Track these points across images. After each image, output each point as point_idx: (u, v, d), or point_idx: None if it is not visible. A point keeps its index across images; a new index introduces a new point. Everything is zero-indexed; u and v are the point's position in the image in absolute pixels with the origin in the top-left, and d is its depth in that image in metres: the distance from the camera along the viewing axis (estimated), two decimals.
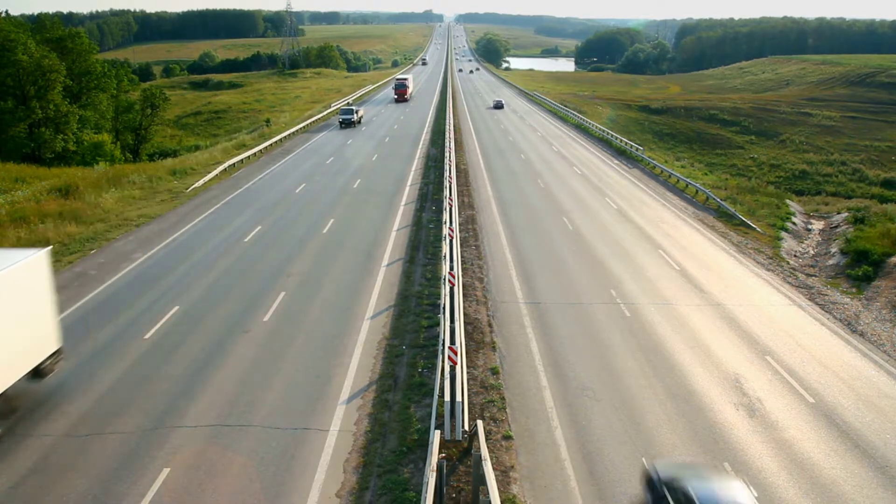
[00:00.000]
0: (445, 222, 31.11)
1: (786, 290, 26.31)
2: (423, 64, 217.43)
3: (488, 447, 14.87)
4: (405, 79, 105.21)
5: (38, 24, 78.89)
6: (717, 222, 36.19)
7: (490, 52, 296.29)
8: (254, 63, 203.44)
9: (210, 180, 43.93)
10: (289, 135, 64.27)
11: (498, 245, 31.01)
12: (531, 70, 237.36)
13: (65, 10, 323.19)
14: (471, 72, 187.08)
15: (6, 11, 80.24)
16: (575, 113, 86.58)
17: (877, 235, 31.12)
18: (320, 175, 46.24)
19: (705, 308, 24.03)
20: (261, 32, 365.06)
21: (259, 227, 32.92)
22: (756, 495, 13.08)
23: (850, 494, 14.29)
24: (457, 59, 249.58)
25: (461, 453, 15.20)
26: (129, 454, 14.92)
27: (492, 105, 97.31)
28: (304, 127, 70.37)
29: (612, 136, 66.01)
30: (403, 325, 21.93)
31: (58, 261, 27.53)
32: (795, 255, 31.77)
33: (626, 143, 60.70)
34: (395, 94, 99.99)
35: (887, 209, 38.14)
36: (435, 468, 13.02)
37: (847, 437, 16.31)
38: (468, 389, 17.58)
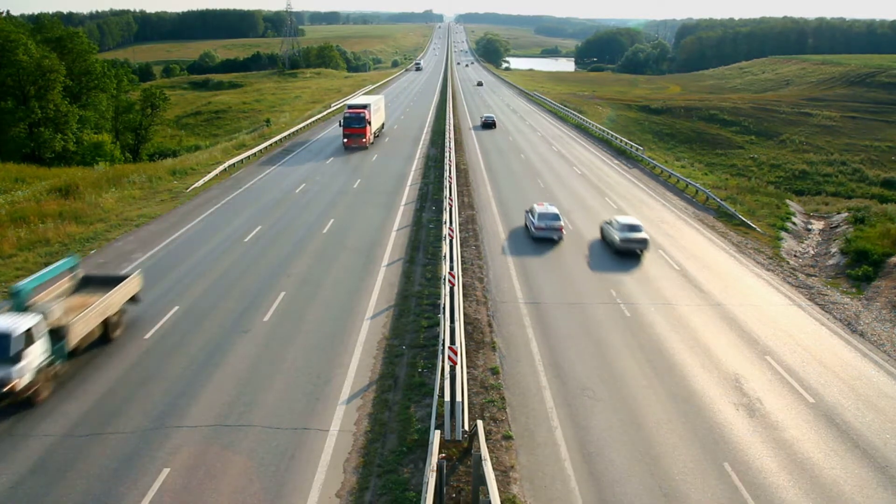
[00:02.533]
0: (445, 222, 31.11)
1: (786, 290, 26.31)
2: (417, 70, 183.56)
3: (488, 447, 14.87)
4: (363, 107, 58.77)
5: (37, 24, 78.86)
6: (717, 222, 36.20)
7: (490, 52, 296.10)
8: (254, 63, 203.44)
9: (210, 180, 43.92)
10: (289, 135, 64.26)
11: (498, 245, 31.00)
12: (531, 70, 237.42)
13: (65, 10, 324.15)
14: (466, 65, 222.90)
15: (6, 11, 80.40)
16: (575, 113, 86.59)
17: (877, 235, 31.16)
18: (320, 175, 46.21)
19: (705, 308, 24.04)
20: (261, 32, 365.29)
21: (259, 227, 32.92)
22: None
23: (850, 494, 14.30)
24: (455, 53, 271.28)
25: (461, 453, 15.20)
26: (129, 454, 14.93)
27: (475, 83, 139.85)
28: (304, 127, 70.35)
29: (612, 136, 66.02)
30: (403, 325, 21.94)
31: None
32: (795, 255, 31.77)
33: (626, 143, 60.71)
34: (345, 134, 57.54)
35: (887, 209, 38.17)
36: (435, 468, 13.01)
37: (847, 437, 16.32)
38: (468, 389, 17.58)
